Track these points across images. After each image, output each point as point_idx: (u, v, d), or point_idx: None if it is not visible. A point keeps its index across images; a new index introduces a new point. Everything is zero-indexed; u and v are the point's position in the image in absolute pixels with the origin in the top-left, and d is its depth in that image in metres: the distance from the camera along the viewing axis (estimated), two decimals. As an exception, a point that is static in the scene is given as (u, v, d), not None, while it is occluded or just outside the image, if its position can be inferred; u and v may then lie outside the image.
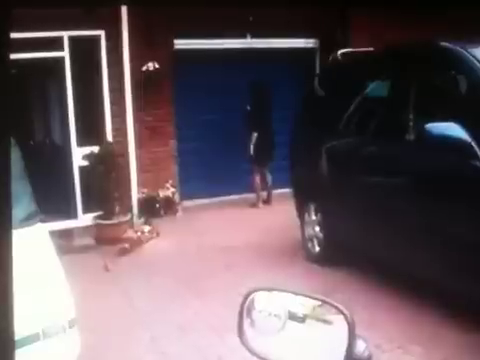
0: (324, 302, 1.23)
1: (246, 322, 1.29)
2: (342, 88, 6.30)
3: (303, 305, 1.26)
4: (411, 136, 4.87)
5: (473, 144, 4.16)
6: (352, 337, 1.14)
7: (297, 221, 7.02)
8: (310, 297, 1.25)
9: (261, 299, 1.30)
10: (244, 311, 1.28)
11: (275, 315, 1.25)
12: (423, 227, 4.69)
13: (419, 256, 4.78)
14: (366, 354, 1.17)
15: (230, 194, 9.67)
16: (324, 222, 6.43)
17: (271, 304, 1.28)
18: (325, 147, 6.33)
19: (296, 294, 1.26)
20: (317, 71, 9.85)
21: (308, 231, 6.74)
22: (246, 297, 1.29)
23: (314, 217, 6.63)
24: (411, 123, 4.90)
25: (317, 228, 6.56)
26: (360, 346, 1.16)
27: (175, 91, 9.17)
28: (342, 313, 1.16)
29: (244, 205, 9.50)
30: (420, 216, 4.72)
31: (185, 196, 9.45)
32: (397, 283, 5.24)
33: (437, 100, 4.78)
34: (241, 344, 1.28)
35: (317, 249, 6.56)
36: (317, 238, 6.56)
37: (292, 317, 1.24)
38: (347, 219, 5.89)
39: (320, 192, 6.38)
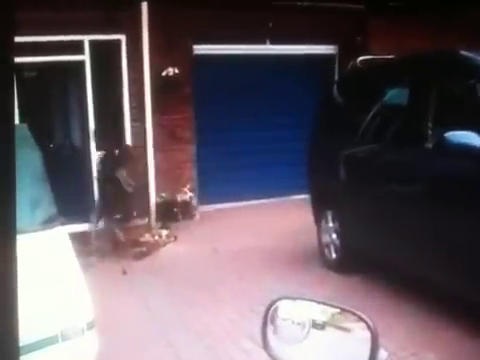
0: (346, 311, 1.23)
1: (270, 330, 1.29)
2: (361, 95, 6.30)
3: (323, 312, 1.26)
4: (430, 144, 4.86)
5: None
6: (375, 346, 1.13)
7: (314, 227, 7.01)
8: (333, 306, 1.25)
9: (285, 308, 1.31)
10: (268, 319, 1.29)
11: (299, 323, 1.26)
12: (440, 235, 4.68)
13: (436, 263, 4.77)
14: None
15: (249, 199, 9.68)
16: (341, 229, 6.43)
17: (295, 313, 1.28)
18: (343, 154, 6.33)
19: (319, 303, 1.27)
20: (336, 77, 9.85)
21: (325, 238, 6.74)
22: (270, 305, 1.30)
23: (331, 224, 6.62)
24: (430, 131, 4.89)
25: (334, 235, 6.55)
26: (382, 355, 1.16)
27: (194, 96, 9.22)
28: (365, 322, 1.16)
29: (263, 210, 9.51)
30: (437, 223, 4.71)
31: (203, 200, 9.47)
32: (412, 289, 5.23)
33: (456, 108, 4.77)
34: (264, 351, 1.29)
35: (334, 256, 6.56)
36: (334, 245, 6.56)
37: (313, 325, 1.24)
38: (364, 226, 5.88)
39: (338, 199, 6.38)
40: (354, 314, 1.19)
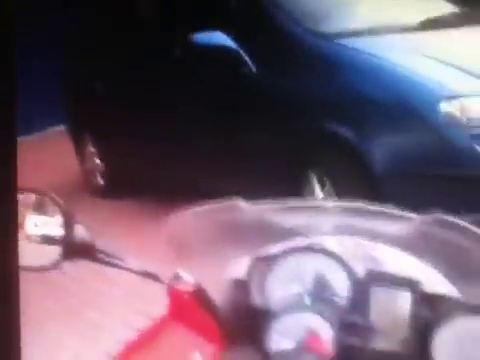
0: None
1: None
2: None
3: None
4: (178, 52, 4.71)
5: (241, 52, 4.14)
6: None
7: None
8: None
9: None
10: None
11: None
12: (212, 144, 4.59)
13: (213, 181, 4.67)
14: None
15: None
16: (105, 153, 6.10)
17: None
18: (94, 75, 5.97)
19: None
20: None
21: (88, 164, 6.38)
22: None
23: (93, 149, 6.26)
24: (178, 37, 4.73)
25: (97, 160, 6.22)
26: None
27: None
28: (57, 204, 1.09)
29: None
30: (208, 134, 4.62)
31: None
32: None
33: (205, 11, 4.64)
34: None
35: (100, 181, 6.26)
36: (98, 170, 6.24)
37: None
38: (130, 147, 5.64)
39: (97, 119, 6.00)
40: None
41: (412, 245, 1.03)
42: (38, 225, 1.10)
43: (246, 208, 1.03)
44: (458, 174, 3.46)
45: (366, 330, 0.96)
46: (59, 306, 4.13)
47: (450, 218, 1.03)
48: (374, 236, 1.04)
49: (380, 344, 0.97)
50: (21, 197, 0.93)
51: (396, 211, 1.09)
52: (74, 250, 1.02)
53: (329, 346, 0.94)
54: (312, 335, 0.95)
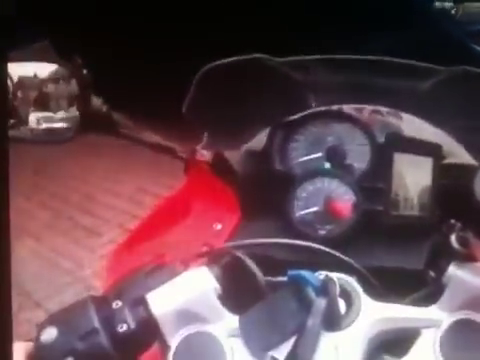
0: None
1: None
2: None
3: None
4: None
5: None
6: None
7: None
8: None
9: None
10: None
11: None
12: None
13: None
14: None
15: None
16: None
17: None
18: None
19: None
20: None
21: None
22: None
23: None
24: None
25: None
26: None
27: None
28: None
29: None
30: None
31: None
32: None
33: None
34: None
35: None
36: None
37: None
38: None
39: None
40: None
41: (433, 105, 1.01)
42: (41, 122, 1.07)
43: (269, 63, 1.00)
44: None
45: (387, 195, 0.96)
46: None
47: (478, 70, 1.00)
48: (395, 95, 1.02)
49: (400, 210, 0.97)
50: (22, 95, 0.90)
51: (421, 64, 1.06)
52: (91, 122, 0.99)
53: (349, 211, 0.94)
54: (333, 200, 0.94)
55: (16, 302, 2.78)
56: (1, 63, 0.51)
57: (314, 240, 0.86)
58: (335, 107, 1.01)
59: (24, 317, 2.75)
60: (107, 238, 3.61)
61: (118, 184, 3.99)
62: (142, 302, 0.70)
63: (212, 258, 0.77)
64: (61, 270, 3.45)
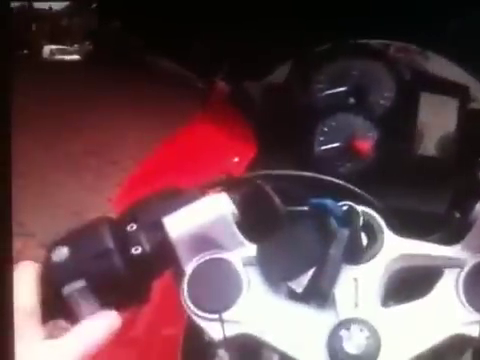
0: None
1: None
2: None
3: None
4: None
5: None
6: None
7: None
8: None
9: None
10: None
11: None
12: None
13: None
14: None
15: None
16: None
17: None
18: None
19: None
20: None
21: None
22: None
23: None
24: None
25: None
26: None
27: None
28: None
29: None
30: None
31: None
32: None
33: None
34: None
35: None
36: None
37: None
38: None
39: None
40: None
41: (463, 46, 0.97)
42: (55, 52, 1.03)
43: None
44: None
45: (410, 135, 0.93)
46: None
47: None
48: (424, 33, 0.98)
49: (424, 151, 0.94)
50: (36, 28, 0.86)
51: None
52: (109, 43, 0.95)
53: (371, 149, 0.91)
54: (355, 136, 0.91)
55: (19, 242, 2.79)
56: (2, 63, 0.48)
57: (333, 177, 0.83)
58: (362, 41, 0.97)
59: (27, 257, 2.76)
60: (114, 181, 3.60)
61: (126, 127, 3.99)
62: (158, 225, 0.68)
63: (231, 186, 0.74)
64: (67, 212, 3.45)
